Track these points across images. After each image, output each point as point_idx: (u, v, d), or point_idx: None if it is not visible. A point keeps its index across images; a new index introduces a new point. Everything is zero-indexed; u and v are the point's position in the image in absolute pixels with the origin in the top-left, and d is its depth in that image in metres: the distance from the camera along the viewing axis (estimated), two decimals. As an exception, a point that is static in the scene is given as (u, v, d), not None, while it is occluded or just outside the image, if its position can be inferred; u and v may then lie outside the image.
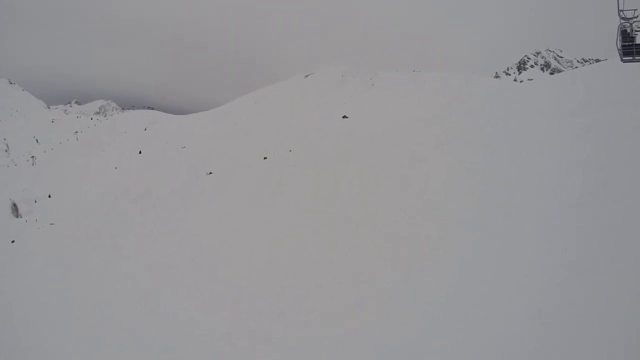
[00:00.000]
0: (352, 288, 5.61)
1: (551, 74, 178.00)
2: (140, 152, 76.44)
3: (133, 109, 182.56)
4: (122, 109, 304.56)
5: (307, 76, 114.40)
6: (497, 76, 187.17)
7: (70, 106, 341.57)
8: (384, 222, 7.47)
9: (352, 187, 10.64)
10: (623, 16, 13.19)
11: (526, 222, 5.50)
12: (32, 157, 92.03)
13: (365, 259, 6.48)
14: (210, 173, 29.02)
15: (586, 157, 6.28)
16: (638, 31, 12.95)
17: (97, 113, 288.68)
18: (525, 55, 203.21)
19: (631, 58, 12.45)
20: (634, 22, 13.27)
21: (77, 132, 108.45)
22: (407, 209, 7.73)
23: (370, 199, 9.18)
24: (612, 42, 14.58)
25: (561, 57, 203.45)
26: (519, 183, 6.59)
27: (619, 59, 13.62)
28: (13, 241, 30.10)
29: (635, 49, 12.34)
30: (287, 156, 20.20)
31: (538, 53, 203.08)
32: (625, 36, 12.81)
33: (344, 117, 58.11)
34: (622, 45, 12.38)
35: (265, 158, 28.48)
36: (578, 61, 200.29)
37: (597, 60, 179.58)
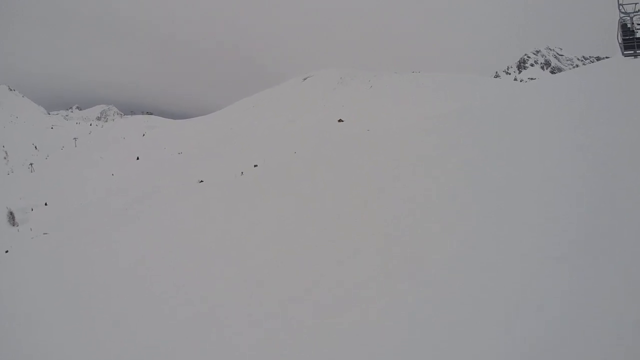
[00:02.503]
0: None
1: (551, 72, 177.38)
2: (137, 159, 76.01)
3: (132, 115, 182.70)
4: (123, 114, 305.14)
5: (305, 79, 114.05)
6: (497, 75, 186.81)
7: (72, 111, 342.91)
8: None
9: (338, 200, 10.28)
10: (623, 10, 12.69)
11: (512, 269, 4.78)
12: (31, 164, 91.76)
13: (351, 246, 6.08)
14: (201, 181, 29.16)
15: (590, 179, 5.71)
16: None
17: (99, 118, 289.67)
18: (525, 54, 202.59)
19: (632, 52, 11.91)
20: (634, 15, 12.69)
21: (75, 138, 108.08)
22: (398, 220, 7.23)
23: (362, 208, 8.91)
24: (613, 39, 14.00)
25: (561, 55, 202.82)
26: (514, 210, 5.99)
27: (620, 54, 13.06)
28: (7, 251, 29.77)
29: (636, 42, 11.75)
30: (276, 166, 20.01)
31: (538, 51, 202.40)
32: (626, 30, 12.28)
33: (340, 120, 57.55)
34: (623, 40, 11.85)
35: (255, 166, 28.54)
36: (578, 59, 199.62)
37: (598, 58, 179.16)
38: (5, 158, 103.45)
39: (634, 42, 12.67)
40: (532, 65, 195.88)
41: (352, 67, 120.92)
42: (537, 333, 3.58)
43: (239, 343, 5.13)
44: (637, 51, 12.20)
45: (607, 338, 3.23)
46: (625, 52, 12.37)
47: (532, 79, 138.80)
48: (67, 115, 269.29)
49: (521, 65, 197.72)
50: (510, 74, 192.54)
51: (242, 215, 11.98)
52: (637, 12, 13.17)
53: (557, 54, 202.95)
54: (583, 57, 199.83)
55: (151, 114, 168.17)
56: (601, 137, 7.40)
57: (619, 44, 13.08)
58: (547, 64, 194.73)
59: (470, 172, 8.54)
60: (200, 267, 8.52)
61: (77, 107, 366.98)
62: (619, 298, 3.59)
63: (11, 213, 61.62)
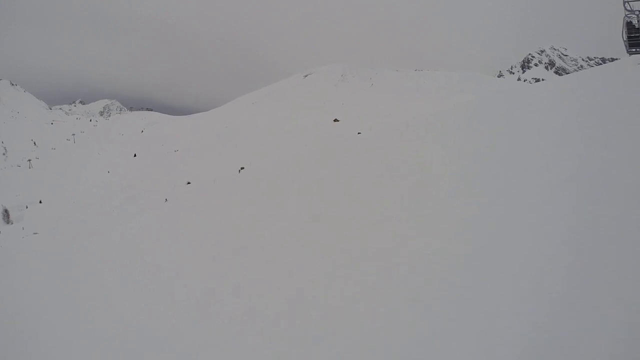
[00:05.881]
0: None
1: (556, 72, 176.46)
2: (135, 155, 75.64)
3: (131, 110, 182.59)
4: (126, 108, 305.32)
5: (306, 76, 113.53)
6: (500, 75, 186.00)
7: (75, 106, 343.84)
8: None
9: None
10: (629, 8, 12.06)
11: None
12: (29, 160, 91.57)
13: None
14: (189, 183, 29.05)
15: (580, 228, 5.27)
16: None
17: (101, 113, 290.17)
18: (529, 54, 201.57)
19: (637, 50, 11.33)
20: (641, 12, 12.03)
21: (74, 134, 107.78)
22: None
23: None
24: (618, 40, 13.33)
25: (566, 55, 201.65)
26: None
27: (625, 52, 12.39)
28: (-3, 249, 29.56)
29: (642, 40, 11.15)
30: (259, 171, 19.93)
31: (542, 51, 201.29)
32: (631, 28, 11.82)
33: (335, 120, 56.93)
34: (628, 37, 11.34)
35: (242, 168, 28.51)
36: (583, 59, 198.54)
37: (603, 59, 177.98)
38: (4, 154, 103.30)
39: (639, 40, 12.04)
40: (536, 65, 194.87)
41: (353, 64, 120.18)
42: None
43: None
44: (643, 49, 11.52)
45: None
46: (630, 50, 11.75)
47: (536, 78, 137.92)
48: (69, 110, 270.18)
49: (525, 64, 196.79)
50: (514, 73, 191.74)
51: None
52: (643, 9, 12.50)
53: (562, 54, 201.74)
54: (588, 57, 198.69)
55: (151, 110, 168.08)
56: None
57: (624, 41, 12.48)
58: (551, 64, 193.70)
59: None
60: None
61: (81, 102, 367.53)
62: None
63: (6, 211, 61.07)
